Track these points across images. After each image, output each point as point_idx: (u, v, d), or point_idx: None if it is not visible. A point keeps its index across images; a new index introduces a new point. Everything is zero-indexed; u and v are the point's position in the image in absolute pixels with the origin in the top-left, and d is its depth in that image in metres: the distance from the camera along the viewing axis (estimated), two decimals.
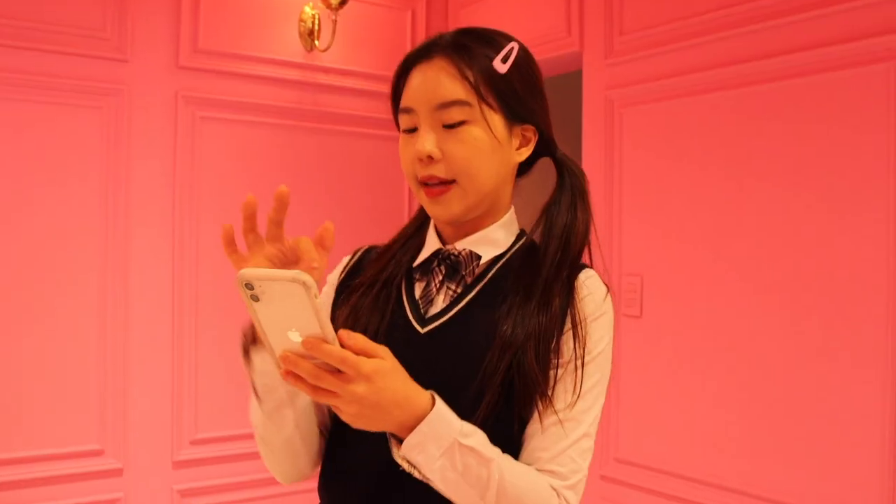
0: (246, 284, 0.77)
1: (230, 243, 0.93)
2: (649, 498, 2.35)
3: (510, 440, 0.97)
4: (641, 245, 2.41)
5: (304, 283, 0.75)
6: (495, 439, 0.93)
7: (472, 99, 1.00)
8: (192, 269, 2.64)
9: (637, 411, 2.41)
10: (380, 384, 0.82)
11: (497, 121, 1.02)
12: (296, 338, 0.79)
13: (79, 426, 2.44)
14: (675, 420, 2.29)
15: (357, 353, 0.82)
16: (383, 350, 0.85)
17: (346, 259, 1.20)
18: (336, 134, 2.96)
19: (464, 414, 0.92)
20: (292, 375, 0.82)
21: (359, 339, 0.83)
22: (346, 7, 2.77)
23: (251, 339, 0.99)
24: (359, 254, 1.19)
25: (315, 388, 0.82)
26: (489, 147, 1.01)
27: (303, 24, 2.83)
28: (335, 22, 2.78)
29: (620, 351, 2.44)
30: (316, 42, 2.83)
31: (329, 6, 2.73)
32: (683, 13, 2.28)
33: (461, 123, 1.00)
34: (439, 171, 1.01)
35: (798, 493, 1.99)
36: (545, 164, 1.15)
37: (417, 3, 3.13)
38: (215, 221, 2.68)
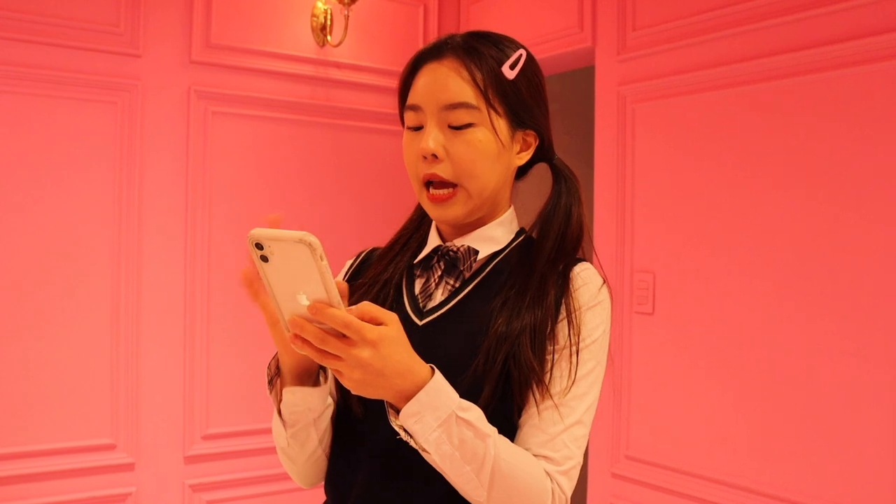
0: (256, 244, 0.78)
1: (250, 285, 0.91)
2: (660, 495, 2.34)
3: (506, 430, 0.97)
4: (654, 241, 2.40)
5: (309, 244, 0.76)
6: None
7: (481, 103, 1.01)
8: (205, 263, 2.65)
9: (649, 409, 2.40)
10: (384, 351, 0.83)
11: (502, 125, 1.04)
12: (304, 301, 0.80)
13: (91, 420, 2.45)
14: (687, 418, 2.28)
15: (364, 320, 0.83)
16: (391, 316, 0.86)
17: (349, 262, 1.23)
18: (348, 129, 2.95)
19: None
20: (300, 339, 0.83)
21: (365, 306, 0.84)
22: (358, 2, 2.77)
23: (275, 372, 1.02)
24: (362, 256, 1.22)
25: (321, 353, 0.83)
26: (493, 151, 1.03)
27: (315, 19, 2.83)
28: (347, 17, 2.78)
29: (632, 348, 2.43)
30: (328, 37, 2.83)
31: (341, 1, 2.73)
32: (696, 9, 2.27)
33: (467, 126, 1.02)
34: (442, 171, 1.02)
35: (809, 491, 1.98)
36: (542, 172, 1.16)
37: None
38: (228, 216, 2.69)
